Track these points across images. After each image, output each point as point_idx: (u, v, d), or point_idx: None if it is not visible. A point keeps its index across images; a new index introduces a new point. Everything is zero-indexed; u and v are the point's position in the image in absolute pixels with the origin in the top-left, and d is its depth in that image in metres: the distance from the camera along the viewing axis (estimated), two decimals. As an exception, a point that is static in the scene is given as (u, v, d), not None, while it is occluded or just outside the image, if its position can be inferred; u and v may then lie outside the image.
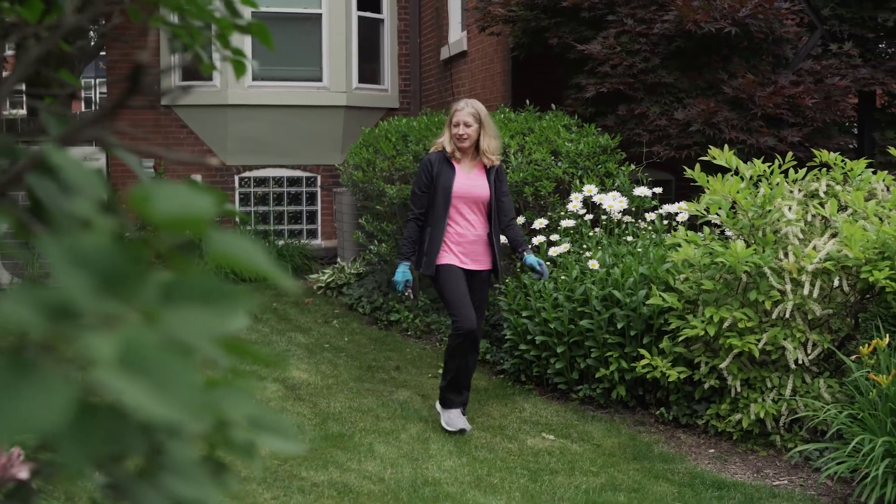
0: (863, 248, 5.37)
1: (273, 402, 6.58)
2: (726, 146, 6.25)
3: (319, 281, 10.72)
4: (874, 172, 6.34)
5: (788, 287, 5.65)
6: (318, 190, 13.10)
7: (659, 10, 7.85)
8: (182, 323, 0.68)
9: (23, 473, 1.38)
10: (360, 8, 12.90)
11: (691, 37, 7.68)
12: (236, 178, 12.85)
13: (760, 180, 6.07)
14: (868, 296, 5.61)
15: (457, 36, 11.84)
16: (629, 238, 6.94)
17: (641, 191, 7.27)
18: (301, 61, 12.70)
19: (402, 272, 6.08)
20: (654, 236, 6.87)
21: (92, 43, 15.65)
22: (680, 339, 6.00)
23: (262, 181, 12.93)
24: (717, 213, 6.01)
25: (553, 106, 8.69)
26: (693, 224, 6.81)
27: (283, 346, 8.27)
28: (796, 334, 5.66)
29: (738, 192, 5.86)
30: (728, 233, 6.24)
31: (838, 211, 6.03)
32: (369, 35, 13.12)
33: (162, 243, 0.77)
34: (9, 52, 1.34)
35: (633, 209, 7.32)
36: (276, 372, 7.35)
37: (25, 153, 0.93)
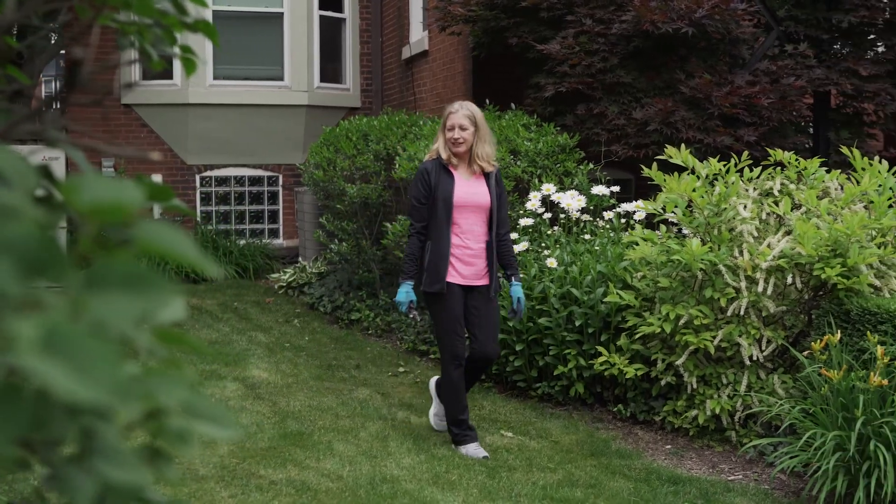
0: (815, 245, 5.45)
1: (232, 400, 6.57)
2: (683, 145, 6.32)
3: (281, 280, 10.72)
4: (828, 171, 6.44)
5: (743, 284, 5.72)
6: (280, 189, 13.08)
7: (617, 10, 7.91)
8: (105, 308, 0.70)
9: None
10: (321, 7, 12.89)
11: (649, 37, 7.75)
12: (197, 178, 12.80)
13: (716, 179, 6.14)
14: (821, 292, 5.70)
15: (418, 35, 11.87)
16: (587, 236, 6.99)
17: (599, 189, 7.33)
18: (262, 60, 12.68)
19: (406, 292, 5.65)
20: (611, 235, 6.93)
21: (52, 41, 15.52)
22: (637, 336, 6.06)
23: (223, 180, 12.89)
24: (673, 212, 6.08)
25: (513, 105, 8.73)
26: (651, 222, 6.88)
27: (244, 345, 8.26)
28: (751, 331, 5.74)
29: (693, 191, 5.92)
30: (685, 231, 6.31)
31: (792, 209, 6.11)
32: (331, 34, 13.12)
33: (90, 232, 0.79)
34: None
35: (592, 208, 7.38)
36: (236, 371, 7.35)
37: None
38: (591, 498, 5.03)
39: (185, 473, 5.10)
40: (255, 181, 13.00)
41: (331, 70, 13.15)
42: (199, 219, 12.65)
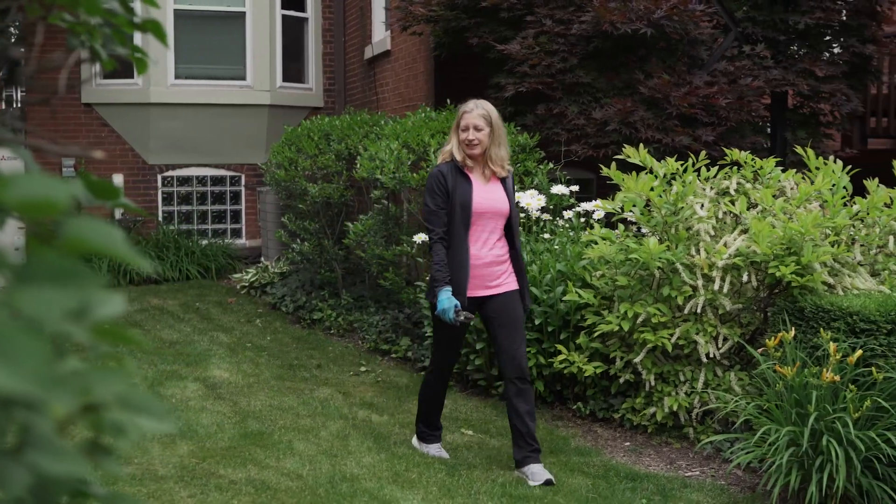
0: (770, 244, 5.52)
1: (193, 401, 6.56)
2: (642, 145, 6.38)
3: (243, 280, 10.70)
4: (783, 171, 6.52)
5: (700, 282, 5.79)
6: (242, 189, 13.04)
7: (577, 10, 7.96)
8: (34, 302, 0.72)
9: None
10: (283, 6, 12.86)
11: (608, 37, 7.81)
12: (159, 178, 12.74)
13: (674, 178, 6.20)
14: (776, 290, 5.77)
15: (380, 35, 11.88)
16: (547, 235, 7.04)
17: (559, 189, 7.38)
18: (224, 60, 12.63)
19: (448, 298, 5.14)
20: (571, 234, 6.97)
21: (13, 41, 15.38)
22: (596, 334, 6.11)
23: (185, 180, 12.83)
24: (631, 211, 6.13)
25: (474, 105, 8.75)
26: (610, 221, 6.93)
27: (206, 345, 8.24)
28: (708, 329, 5.80)
29: (651, 190, 5.98)
30: (643, 230, 6.37)
31: (748, 208, 6.19)
32: (293, 34, 13.09)
33: (31, 228, 0.81)
34: None
35: (551, 207, 7.43)
36: (197, 371, 7.33)
37: None
38: (549, 495, 5.07)
39: (145, 473, 5.10)
40: (217, 181, 12.95)
41: (293, 70, 13.13)
42: (160, 218, 12.59)
